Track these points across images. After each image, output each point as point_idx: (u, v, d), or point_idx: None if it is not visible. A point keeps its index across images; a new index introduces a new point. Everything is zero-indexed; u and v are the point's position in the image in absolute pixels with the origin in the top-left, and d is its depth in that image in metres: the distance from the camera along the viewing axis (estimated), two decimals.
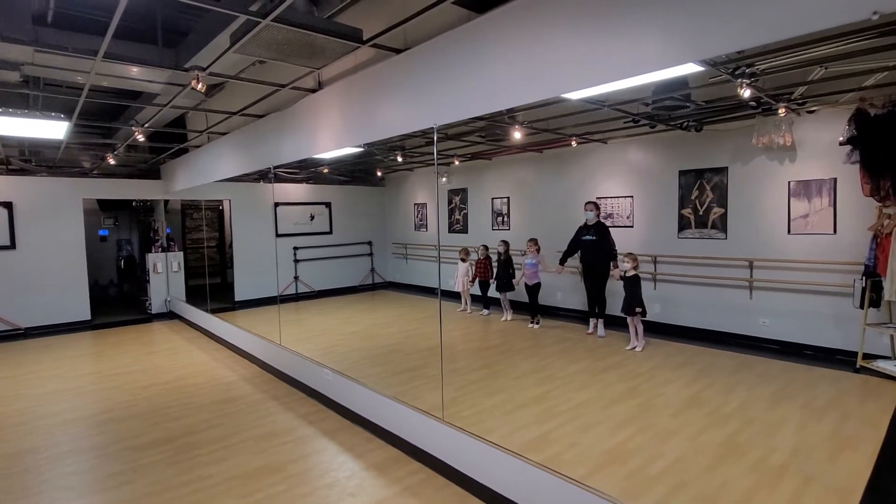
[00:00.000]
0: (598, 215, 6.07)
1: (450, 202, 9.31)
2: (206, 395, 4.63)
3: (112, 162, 7.32)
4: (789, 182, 5.20)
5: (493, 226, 8.50)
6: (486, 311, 7.55)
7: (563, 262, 6.27)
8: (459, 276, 7.63)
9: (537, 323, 6.62)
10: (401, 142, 6.70)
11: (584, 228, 6.10)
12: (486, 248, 7.53)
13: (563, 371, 4.79)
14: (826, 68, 3.64)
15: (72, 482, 3.11)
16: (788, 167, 5.20)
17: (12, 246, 7.24)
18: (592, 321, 6.18)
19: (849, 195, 4.81)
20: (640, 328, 5.48)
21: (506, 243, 6.99)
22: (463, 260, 7.70)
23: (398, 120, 3.46)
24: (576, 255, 6.26)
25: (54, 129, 5.10)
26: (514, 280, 6.94)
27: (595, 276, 6.07)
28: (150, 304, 8.66)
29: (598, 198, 6.96)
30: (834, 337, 4.98)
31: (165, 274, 8.75)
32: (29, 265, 7.34)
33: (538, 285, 6.64)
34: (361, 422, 3.78)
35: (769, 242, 5.37)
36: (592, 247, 6.00)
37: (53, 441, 3.70)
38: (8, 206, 7.22)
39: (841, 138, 4.48)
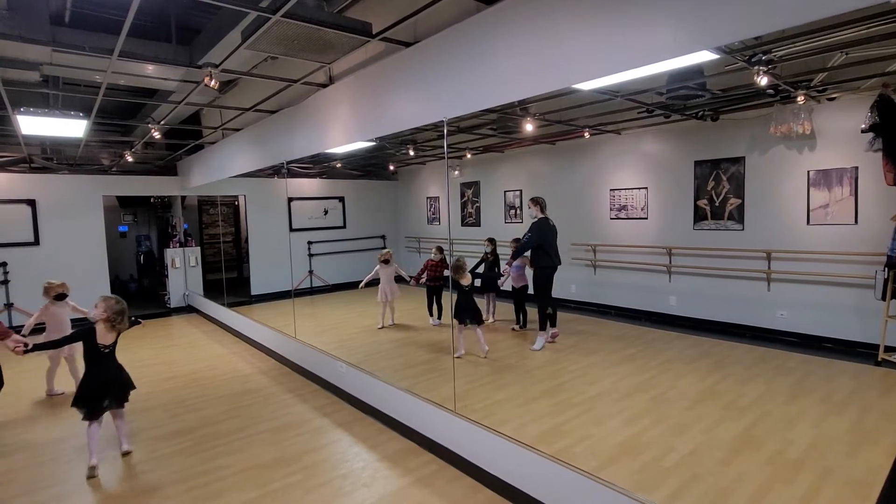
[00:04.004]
0: (538, 212, 5.40)
1: (462, 195, 9.30)
2: (224, 387, 4.73)
3: (130, 159, 7.47)
4: (808, 171, 5.08)
5: (505, 219, 8.48)
6: (435, 322, 6.58)
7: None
8: (381, 286, 6.39)
9: (523, 326, 6.14)
10: (412, 135, 6.70)
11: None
12: (440, 249, 6.44)
13: (576, 364, 4.77)
14: (847, 53, 3.54)
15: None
16: (808, 156, 5.09)
17: (36, 242, 7.44)
18: (549, 330, 5.53)
19: (871, 184, 4.69)
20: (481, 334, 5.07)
21: (492, 241, 6.44)
22: (386, 262, 6.47)
23: (409, 114, 3.46)
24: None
25: (74, 128, 5.21)
26: (499, 280, 6.31)
27: (535, 279, 5.49)
28: (168, 298, 8.83)
29: (611, 189, 6.89)
30: (854, 329, 4.88)
31: (183, 269, 8.91)
32: (52, 261, 7.52)
33: (525, 288, 6.07)
34: (375, 413, 3.83)
35: (787, 233, 5.27)
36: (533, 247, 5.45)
37: (78, 431, 3.81)
38: (31, 203, 7.41)
39: (863, 126, 4.36)
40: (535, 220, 5.43)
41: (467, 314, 5.07)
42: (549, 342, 5.45)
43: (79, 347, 3.30)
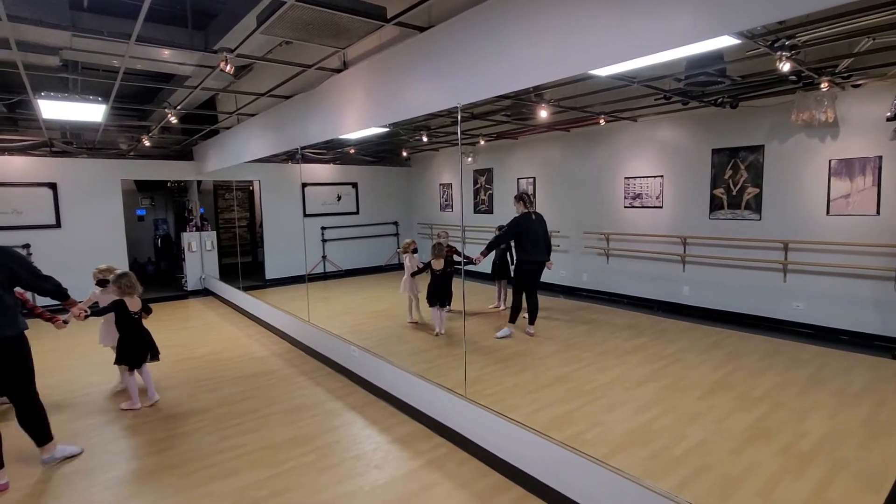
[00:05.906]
0: (521, 208, 5.28)
1: (475, 182, 9.26)
2: (240, 368, 4.82)
3: (147, 144, 7.55)
4: (830, 160, 4.96)
5: None
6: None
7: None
8: (406, 278, 5.97)
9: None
10: (426, 121, 6.67)
11: None
12: (446, 234, 6.39)
13: (588, 352, 4.77)
14: (874, 39, 3.43)
15: (118, 447, 3.32)
16: (830, 145, 4.97)
17: (58, 225, 7.61)
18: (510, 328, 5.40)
19: (895, 174, 4.57)
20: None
21: (501, 229, 6.14)
22: (415, 252, 6.12)
23: (422, 100, 3.44)
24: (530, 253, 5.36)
25: (93, 112, 5.28)
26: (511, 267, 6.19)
27: (514, 272, 5.49)
28: (185, 281, 8.99)
29: (626, 177, 6.81)
30: (873, 322, 4.80)
31: (200, 252, 9.05)
32: (73, 243, 7.69)
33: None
34: (387, 397, 3.89)
35: (806, 224, 5.17)
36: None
37: (99, 409, 3.94)
38: (53, 186, 7.57)
39: (889, 113, 4.25)
40: (517, 214, 5.33)
41: (435, 297, 5.49)
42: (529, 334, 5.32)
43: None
